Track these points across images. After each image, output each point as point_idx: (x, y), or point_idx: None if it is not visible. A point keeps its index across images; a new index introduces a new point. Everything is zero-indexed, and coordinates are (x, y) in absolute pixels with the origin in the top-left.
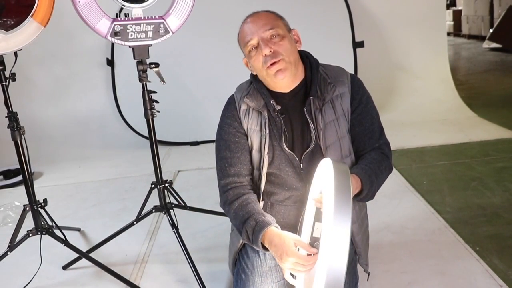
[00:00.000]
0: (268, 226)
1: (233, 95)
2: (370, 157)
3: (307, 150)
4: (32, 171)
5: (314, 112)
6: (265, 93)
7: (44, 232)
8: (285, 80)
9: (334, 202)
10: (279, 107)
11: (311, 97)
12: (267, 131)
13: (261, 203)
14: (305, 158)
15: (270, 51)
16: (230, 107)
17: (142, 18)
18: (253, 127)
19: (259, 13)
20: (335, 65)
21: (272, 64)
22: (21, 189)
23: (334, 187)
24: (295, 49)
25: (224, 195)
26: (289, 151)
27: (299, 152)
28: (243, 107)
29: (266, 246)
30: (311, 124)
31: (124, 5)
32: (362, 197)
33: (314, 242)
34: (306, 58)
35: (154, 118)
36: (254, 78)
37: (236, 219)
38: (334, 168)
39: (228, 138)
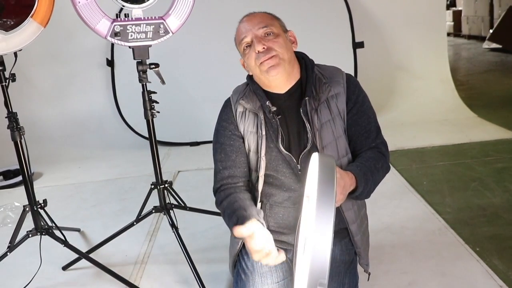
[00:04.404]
0: (246, 222)
1: (229, 97)
2: (366, 155)
3: (304, 150)
4: (32, 172)
5: (310, 113)
6: (261, 94)
7: (44, 233)
8: (278, 77)
9: (317, 193)
10: (274, 108)
11: (306, 98)
12: (263, 133)
13: (260, 204)
14: (302, 159)
15: (263, 48)
16: (226, 109)
17: (142, 18)
18: (250, 129)
19: (255, 13)
20: (330, 65)
21: (265, 61)
22: (21, 189)
23: (317, 179)
24: (290, 48)
25: (216, 197)
26: (286, 152)
27: (296, 153)
28: (239, 109)
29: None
30: (307, 125)
31: (124, 6)
32: (357, 194)
33: None
34: (301, 59)
35: (154, 119)
36: (251, 79)
37: (225, 217)
38: (319, 160)
39: (223, 141)
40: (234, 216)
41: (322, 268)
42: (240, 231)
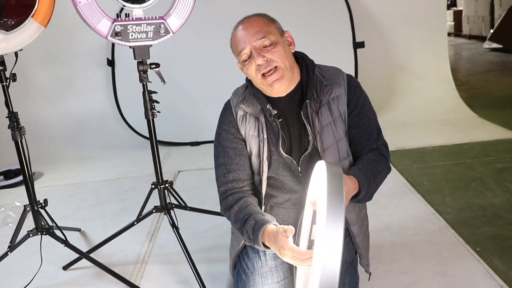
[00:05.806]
0: (266, 224)
1: (229, 100)
2: (368, 158)
3: (305, 153)
4: (33, 171)
5: (310, 115)
6: (261, 98)
7: (44, 233)
8: (282, 87)
9: (327, 206)
10: (275, 112)
11: (307, 100)
12: (265, 136)
13: (262, 207)
14: (303, 162)
15: (264, 60)
16: (227, 112)
17: (143, 18)
18: (251, 133)
19: (250, 19)
20: (331, 66)
21: (266, 74)
22: (22, 189)
23: (327, 190)
24: (289, 54)
25: (224, 201)
26: (286, 155)
27: (297, 156)
28: (240, 113)
29: (267, 244)
30: (308, 128)
31: (124, 6)
32: (360, 198)
33: (312, 245)
34: (302, 59)
35: (154, 118)
36: (250, 83)
37: (236, 222)
38: (327, 170)
39: (226, 144)
40: (250, 220)
41: (332, 285)
42: (289, 234)
